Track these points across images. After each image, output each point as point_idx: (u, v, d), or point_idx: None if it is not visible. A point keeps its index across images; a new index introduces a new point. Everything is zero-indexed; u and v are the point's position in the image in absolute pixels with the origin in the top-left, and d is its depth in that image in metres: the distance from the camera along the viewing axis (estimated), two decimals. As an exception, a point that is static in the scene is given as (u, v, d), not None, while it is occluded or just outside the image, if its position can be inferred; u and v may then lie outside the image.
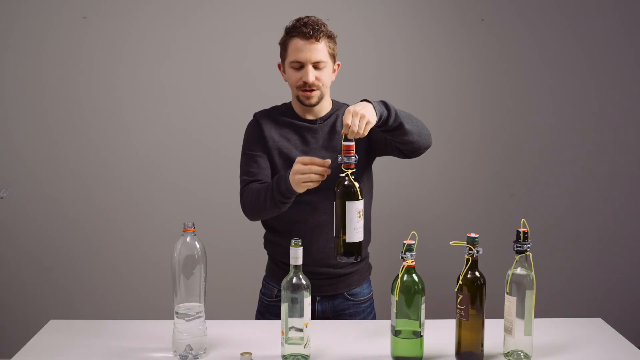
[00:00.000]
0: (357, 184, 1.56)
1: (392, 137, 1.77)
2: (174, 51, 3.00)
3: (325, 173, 1.67)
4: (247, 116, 2.03)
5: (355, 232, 1.57)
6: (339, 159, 1.57)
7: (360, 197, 1.56)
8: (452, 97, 3.06)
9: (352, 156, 1.56)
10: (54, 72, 2.99)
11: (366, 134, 1.62)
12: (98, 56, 2.99)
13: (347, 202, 1.55)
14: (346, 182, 1.56)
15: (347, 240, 1.57)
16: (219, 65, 3.01)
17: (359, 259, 1.62)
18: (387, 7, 3.01)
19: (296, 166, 1.68)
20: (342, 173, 1.56)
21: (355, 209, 1.56)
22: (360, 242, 1.59)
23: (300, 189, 1.69)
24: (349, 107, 1.62)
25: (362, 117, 1.59)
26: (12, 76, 2.99)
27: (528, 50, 3.05)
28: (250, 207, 1.85)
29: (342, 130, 1.61)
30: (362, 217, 1.57)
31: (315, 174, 1.65)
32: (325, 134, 1.91)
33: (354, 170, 1.57)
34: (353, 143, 1.57)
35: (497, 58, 3.05)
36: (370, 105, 1.64)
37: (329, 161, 1.68)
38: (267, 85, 2.80)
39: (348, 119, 1.59)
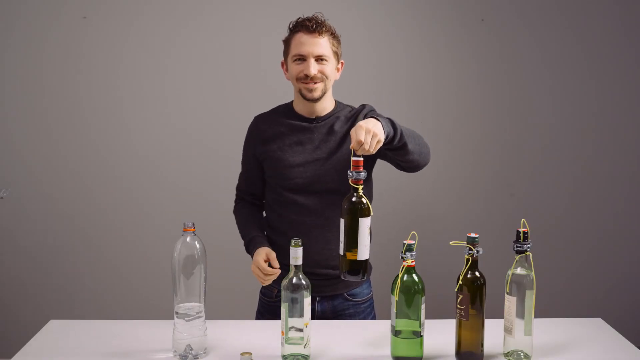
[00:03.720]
0: (366, 200, 1.54)
1: (393, 154, 1.78)
2: (173, 51, 3.00)
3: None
4: (247, 116, 2.03)
5: (365, 249, 1.55)
6: (349, 174, 1.55)
7: (370, 213, 1.54)
8: (452, 97, 3.06)
9: (362, 172, 1.54)
10: (54, 72, 2.99)
11: (375, 152, 1.61)
12: (98, 56, 2.99)
13: (359, 219, 1.52)
14: (355, 199, 1.54)
15: (358, 258, 1.54)
16: (219, 65, 3.01)
17: (364, 278, 1.61)
18: (387, 7, 3.01)
19: (253, 266, 1.84)
20: (352, 188, 1.54)
21: (365, 226, 1.53)
22: (367, 260, 1.57)
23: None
24: (359, 123, 1.62)
25: (374, 136, 1.59)
26: (12, 76, 2.99)
27: (528, 50, 3.05)
28: (238, 227, 2.07)
29: (351, 145, 1.60)
30: (370, 234, 1.56)
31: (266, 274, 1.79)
32: (321, 134, 1.90)
33: (363, 185, 1.55)
34: (362, 159, 1.55)
35: (497, 58, 3.05)
36: (379, 123, 1.63)
37: (278, 271, 1.81)
38: (267, 85, 2.80)
39: (361, 136, 1.58)
